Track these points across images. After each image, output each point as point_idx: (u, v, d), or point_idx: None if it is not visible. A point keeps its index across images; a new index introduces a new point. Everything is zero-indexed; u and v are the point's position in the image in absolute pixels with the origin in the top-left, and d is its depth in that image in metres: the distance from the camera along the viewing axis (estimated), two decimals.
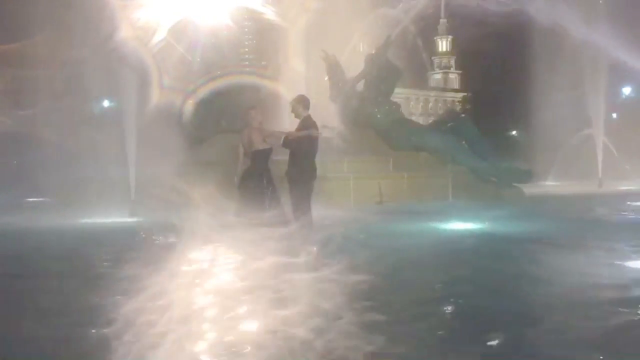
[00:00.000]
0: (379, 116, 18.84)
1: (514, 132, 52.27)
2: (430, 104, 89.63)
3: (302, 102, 9.82)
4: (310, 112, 9.91)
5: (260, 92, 17.77)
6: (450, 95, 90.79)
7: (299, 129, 9.72)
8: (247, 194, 9.55)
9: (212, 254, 7.70)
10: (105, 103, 27.22)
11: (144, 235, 9.16)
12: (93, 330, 4.39)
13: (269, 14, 18.20)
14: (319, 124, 10.21)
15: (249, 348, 4.07)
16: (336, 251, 7.11)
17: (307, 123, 9.64)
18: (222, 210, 9.64)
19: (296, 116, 9.78)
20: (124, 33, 15.13)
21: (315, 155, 9.75)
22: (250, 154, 9.75)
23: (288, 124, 12.46)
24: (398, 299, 5.44)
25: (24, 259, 8.11)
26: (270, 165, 9.92)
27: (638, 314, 4.91)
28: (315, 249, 7.62)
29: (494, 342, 4.21)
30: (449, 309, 5.20)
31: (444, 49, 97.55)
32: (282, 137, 9.66)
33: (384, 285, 5.89)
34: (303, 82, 18.99)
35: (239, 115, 13.01)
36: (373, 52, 19.63)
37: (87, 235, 10.49)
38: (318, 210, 9.97)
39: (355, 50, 21.07)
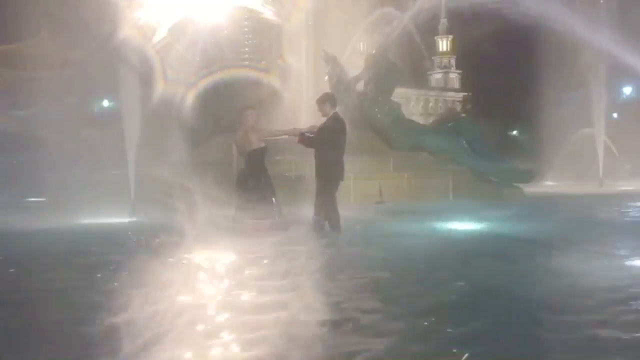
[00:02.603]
0: (379, 116, 18.83)
1: (514, 132, 52.30)
2: (431, 104, 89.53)
3: (329, 100, 9.78)
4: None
5: (260, 92, 17.73)
6: (450, 95, 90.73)
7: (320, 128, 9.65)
8: (246, 195, 9.46)
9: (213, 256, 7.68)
10: (105, 103, 27.23)
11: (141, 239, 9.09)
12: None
13: (269, 13, 18.19)
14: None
15: None
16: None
17: (329, 120, 9.54)
18: (221, 211, 9.63)
19: (323, 115, 9.71)
20: (124, 33, 15.11)
21: (342, 147, 9.58)
22: (246, 154, 9.66)
23: (289, 124, 12.42)
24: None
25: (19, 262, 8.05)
26: (266, 164, 9.86)
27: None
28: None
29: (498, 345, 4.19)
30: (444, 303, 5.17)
31: (445, 49, 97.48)
32: (297, 135, 9.63)
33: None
34: (303, 82, 18.99)
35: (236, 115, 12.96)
36: (373, 52, 19.63)
37: (83, 236, 10.43)
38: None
39: (355, 50, 21.04)
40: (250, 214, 9.19)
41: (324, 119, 9.72)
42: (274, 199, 9.61)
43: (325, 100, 9.77)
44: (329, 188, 9.49)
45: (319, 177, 9.56)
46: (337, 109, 9.91)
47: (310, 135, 9.58)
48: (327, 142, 9.45)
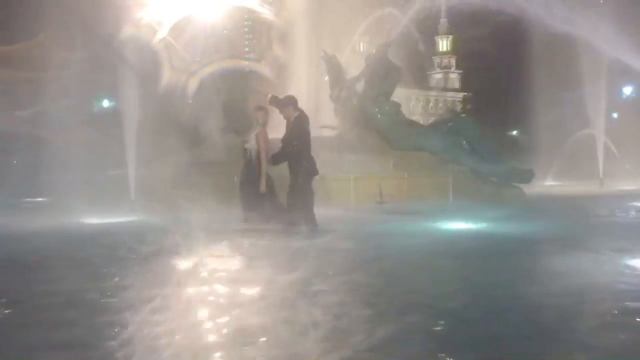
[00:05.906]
0: (379, 116, 18.80)
1: (514, 132, 52.28)
2: (431, 104, 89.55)
3: (291, 103, 9.76)
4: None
5: (260, 92, 17.74)
6: (450, 95, 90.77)
7: (289, 130, 9.68)
8: (257, 195, 9.39)
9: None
10: (105, 103, 27.22)
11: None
12: None
13: (269, 13, 18.20)
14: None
15: None
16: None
17: (295, 124, 9.56)
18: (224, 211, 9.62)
19: (285, 117, 9.73)
20: (125, 33, 15.12)
21: (309, 144, 9.64)
22: (269, 154, 9.60)
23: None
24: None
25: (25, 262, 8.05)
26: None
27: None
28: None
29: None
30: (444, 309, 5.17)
31: (445, 49, 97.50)
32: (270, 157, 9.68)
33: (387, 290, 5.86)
34: (304, 82, 18.99)
35: (243, 114, 12.96)
36: (373, 51, 19.61)
37: (84, 238, 10.42)
38: (318, 210, 9.90)
39: (356, 50, 21.04)
40: (260, 214, 9.13)
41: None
42: (281, 201, 9.57)
43: (288, 103, 9.74)
44: (304, 183, 9.50)
45: (294, 174, 9.57)
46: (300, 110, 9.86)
47: (278, 152, 9.60)
48: (296, 146, 9.51)
